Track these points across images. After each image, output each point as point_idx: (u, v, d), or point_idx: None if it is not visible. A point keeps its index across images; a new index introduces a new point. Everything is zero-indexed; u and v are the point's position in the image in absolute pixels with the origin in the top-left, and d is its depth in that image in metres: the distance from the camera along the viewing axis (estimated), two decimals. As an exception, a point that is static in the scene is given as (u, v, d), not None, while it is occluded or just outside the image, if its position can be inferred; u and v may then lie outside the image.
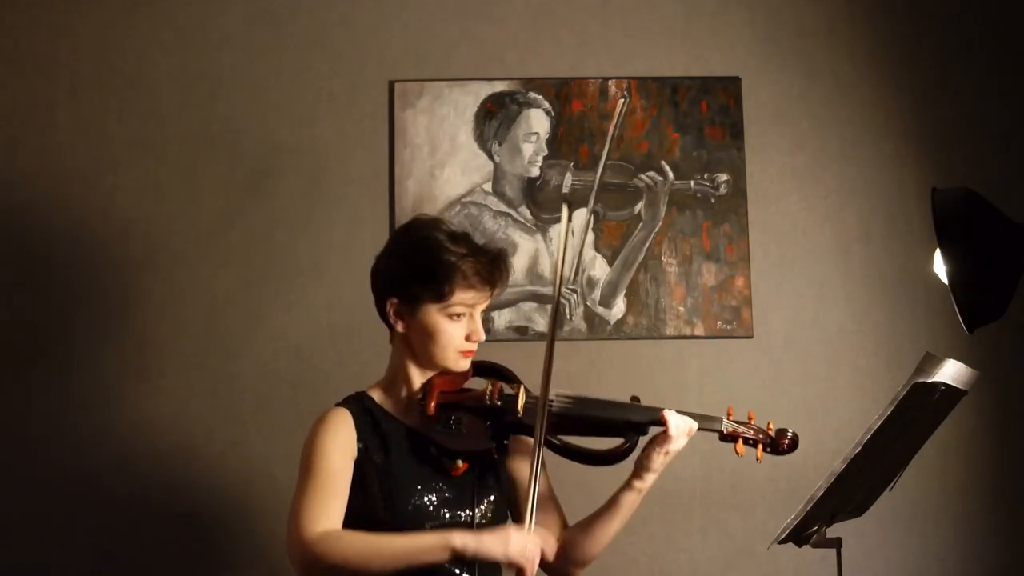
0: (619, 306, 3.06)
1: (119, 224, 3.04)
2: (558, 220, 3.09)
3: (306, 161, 3.08)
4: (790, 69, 3.16)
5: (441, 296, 2.11)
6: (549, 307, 3.05)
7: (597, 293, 3.07)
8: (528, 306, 3.05)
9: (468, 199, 3.08)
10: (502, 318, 3.04)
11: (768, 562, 2.93)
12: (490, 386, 2.17)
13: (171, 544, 2.92)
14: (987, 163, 3.10)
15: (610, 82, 3.13)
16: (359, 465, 2.09)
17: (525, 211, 3.09)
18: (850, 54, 3.16)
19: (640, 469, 2.16)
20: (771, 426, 2.27)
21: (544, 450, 2.09)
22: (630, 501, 2.18)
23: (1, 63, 3.08)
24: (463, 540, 1.97)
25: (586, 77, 3.13)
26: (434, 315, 2.13)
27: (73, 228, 3.03)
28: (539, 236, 3.08)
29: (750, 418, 2.26)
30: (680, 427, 2.15)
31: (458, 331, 2.15)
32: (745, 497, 3.01)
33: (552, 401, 2.12)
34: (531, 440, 2.10)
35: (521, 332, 3.03)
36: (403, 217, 3.03)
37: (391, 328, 2.20)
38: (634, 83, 3.13)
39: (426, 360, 2.17)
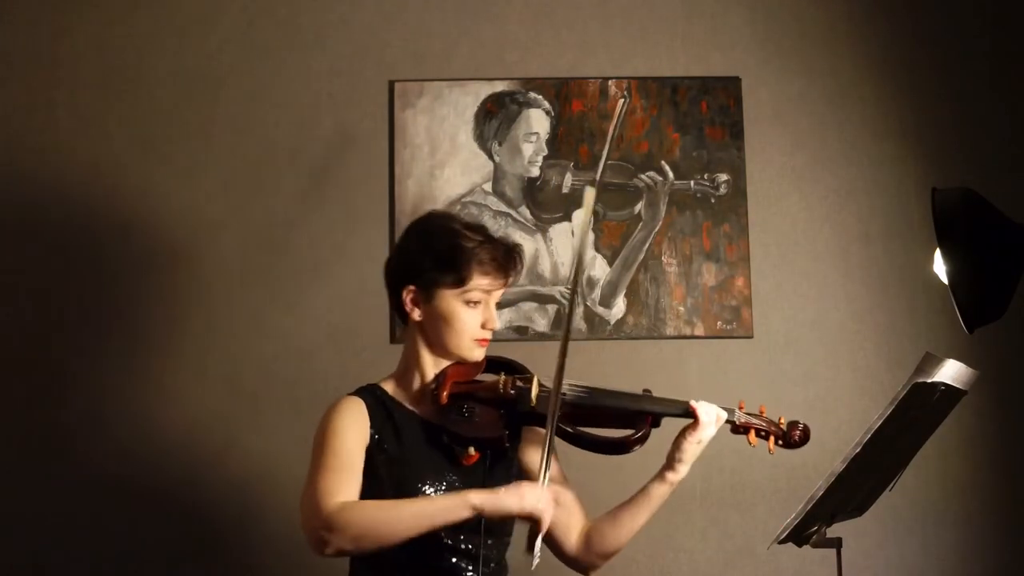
0: (619, 306, 3.06)
1: (119, 224, 3.04)
2: (558, 220, 3.09)
3: (306, 161, 3.08)
4: (790, 69, 3.16)
5: (460, 281, 2.14)
6: (549, 307, 3.05)
7: (597, 293, 3.07)
8: (528, 306, 3.05)
9: (468, 199, 3.08)
10: (502, 318, 3.04)
11: (768, 562, 2.93)
12: (503, 377, 2.19)
13: (171, 543, 2.92)
14: (987, 163, 3.10)
15: (610, 82, 3.13)
16: (370, 453, 2.10)
17: (525, 211, 3.09)
18: (850, 54, 3.16)
19: (673, 460, 2.19)
20: (782, 420, 2.29)
21: (558, 440, 2.12)
22: (661, 493, 2.20)
23: (1, 63, 3.08)
24: (480, 497, 1.99)
25: (586, 77, 3.13)
26: (451, 301, 2.15)
27: (73, 228, 3.03)
28: (539, 236, 3.08)
29: (761, 412, 2.29)
30: (710, 415, 2.18)
31: (474, 318, 2.17)
32: (745, 497, 3.01)
33: (566, 391, 2.14)
34: (544, 430, 2.11)
35: (521, 332, 3.03)
36: (403, 217, 3.04)
37: (405, 318, 2.21)
38: (634, 83, 3.13)
39: (441, 348, 2.19)
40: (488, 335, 2.20)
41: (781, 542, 2.15)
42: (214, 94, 3.10)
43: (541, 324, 3.04)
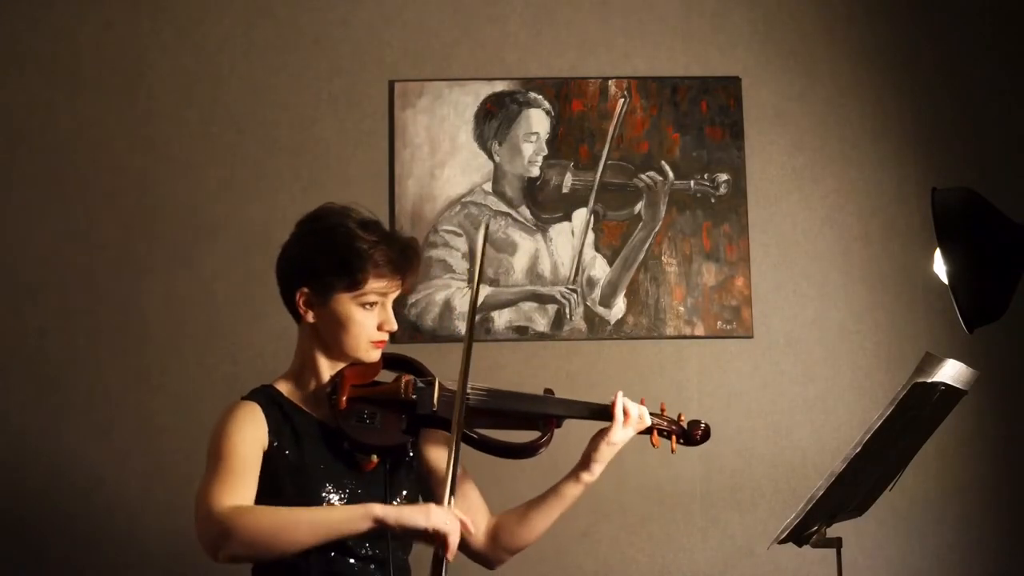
0: (619, 306, 3.06)
1: (119, 224, 3.04)
2: (558, 220, 3.09)
3: (306, 161, 3.08)
4: (790, 69, 3.16)
5: (354, 284, 2.07)
6: (549, 307, 3.05)
7: (597, 293, 3.07)
8: (528, 306, 3.05)
9: (468, 199, 3.08)
10: (502, 318, 3.04)
11: (768, 562, 2.93)
12: (403, 379, 2.13)
13: (171, 543, 2.92)
14: (987, 163, 3.10)
15: (610, 82, 3.13)
16: (268, 459, 2.04)
17: (525, 211, 3.09)
18: (850, 54, 3.16)
19: (588, 461, 2.17)
20: (683, 417, 2.27)
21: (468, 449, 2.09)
22: (574, 493, 2.18)
23: (1, 63, 3.08)
24: (384, 511, 1.93)
25: (586, 77, 3.13)
26: (346, 304, 2.09)
27: (73, 228, 3.03)
28: (539, 236, 3.08)
29: (662, 410, 2.27)
30: (622, 415, 2.16)
31: (370, 320, 2.10)
32: (745, 497, 3.01)
33: (468, 394, 2.08)
34: (445, 432, 2.10)
35: (521, 332, 3.03)
36: (403, 217, 3.04)
37: (298, 319, 2.16)
38: (634, 83, 3.13)
39: (336, 351, 2.13)
40: (385, 337, 2.13)
41: (781, 542, 2.15)
42: (214, 94, 3.10)
43: (541, 324, 3.04)
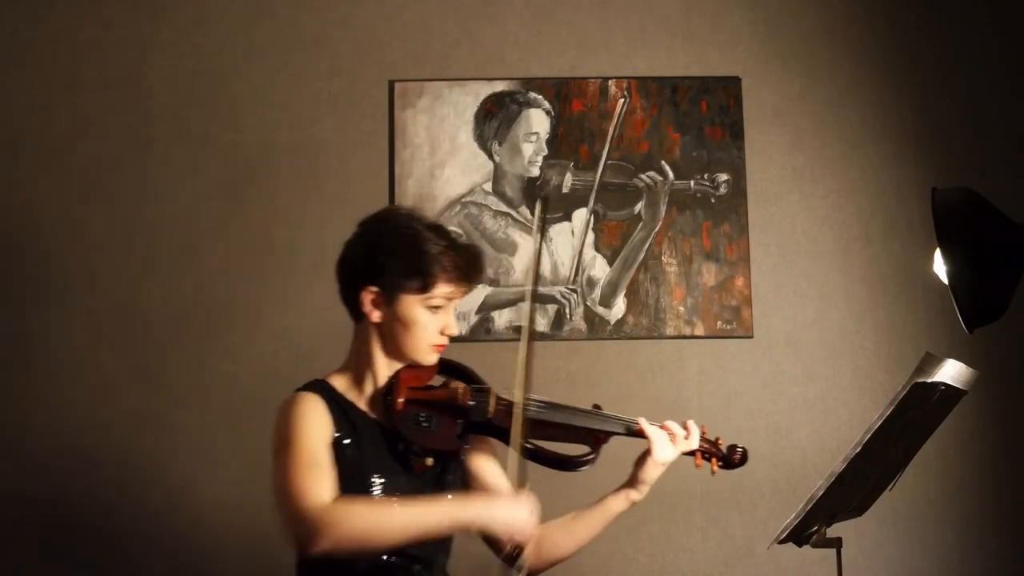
0: (619, 306, 3.06)
1: (119, 224, 3.04)
2: (558, 220, 3.09)
3: (306, 161, 3.08)
4: (790, 69, 3.16)
5: (424, 287, 2.10)
6: (549, 307, 3.05)
7: (597, 293, 3.07)
8: (528, 306, 3.04)
9: (468, 199, 3.08)
10: (502, 318, 3.04)
11: (768, 562, 2.93)
12: (460, 386, 2.15)
13: (171, 543, 2.92)
14: (987, 163, 3.10)
15: (610, 82, 3.13)
16: (330, 452, 2.05)
17: (525, 211, 3.09)
18: (850, 54, 3.16)
19: (636, 481, 2.20)
20: (720, 441, 2.29)
21: (505, 447, 2.12)
22: (619, 510, 2.21)
23: (1, 63, 3.08)
24: (476, 511, 1.98)
25: (586, 77, 3.13)
26: (413, 306, 2.11)
27: (73, 228, 3.03)
28: (539, 236, 3.07)
29: (703, 433, 2.28)
30: (662, 437, 2.19)
31: (434, 324, 2.13)
32: (745, 497, 3.01)
33: (528, 405, 2.11)
34: (494, 439, 2.14)
35: (521, 332, 3.03)
36: (403, 217, 3.04)
37: (359, 317, 2.17)
38: (634, 83, 3.13)
39: (397, 351, 2.15)
40: (446, 341, 2.16)
41: (781, 542, 2.15)
42: (214, 94, 3.10)
43: (541, 324, 3.04)
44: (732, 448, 2.29)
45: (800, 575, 2.95)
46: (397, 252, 2.12)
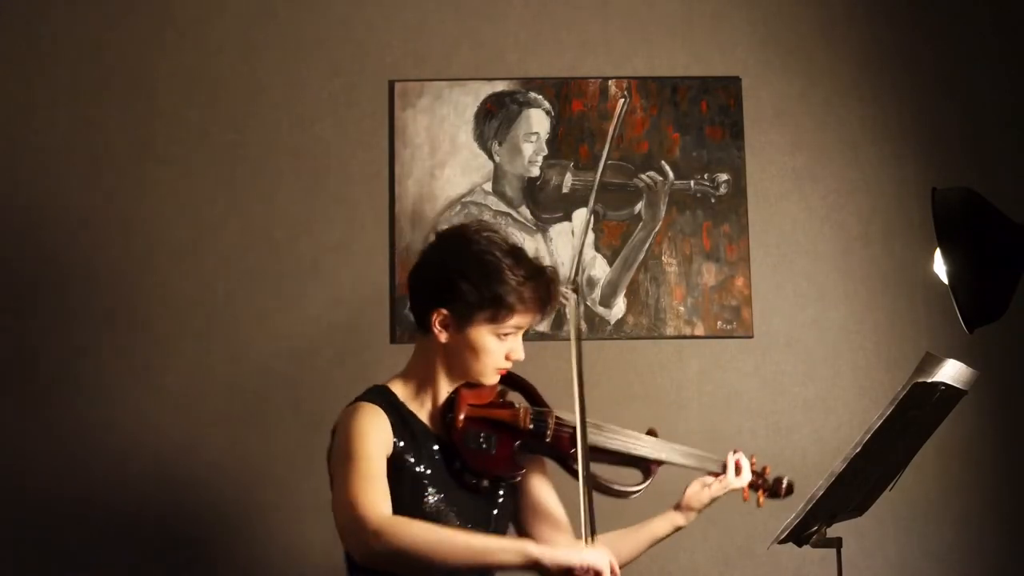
0: (619, 306, 3.06)
1: (119, 224, 3.04)
2: (558, 220, 3.09)
3: (306, 161, 3.08)
4: (790, 69, 3.16)
5: (498, 318, 2.09)
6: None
7: (597, 293, 3.07)
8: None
9: (468, 199, 3.08)
10: (502, 318, 3.04)
11: (768, 562, 2.93)
12: (523, 408, 2.16)
13: (171, 544, 2.92)
14: (987, 163, 3.10)
15: (610, 82, 3.13)
16: (390, 462, 2.05)
17: (525, 211, 3.09)
18: (850, 54, 3.16)
19: (686, 508, 2.26)
20: (768, 471, 2.34)
21: (559, 471, 2.15)
22: (664, 534, 2.27)
23: (1, 63, 3.08)
24: (540, 550, 1.95)
25: (586, 77, 3.13)
26: (484, 334, 2.10)
27: (73, 228, 3.03)
28: (539, 236, 3.07)
29: (751, 462, 2.32)
30: (733, 472, 2.27)
31: (502, 350, 2.13)
32: (745, 497, 3.01)
33: (588, 432, 2.10)
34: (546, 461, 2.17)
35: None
36: (403, 217, 3.04)
37: (426, 329, 2.14)
38: (634, 83, 3.13)
39: (461, 372, 2.15)
40: (510, 365, 2.16)
41: (781, 542, 2.15)
42: (214, 94, 3.10)
43: (541, 324, 3.04)
44: (778, 480, 2.34)
45: (800, 575, 2.95)
46: (475, 280, 2.08)
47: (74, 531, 2.92)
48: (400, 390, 2.17)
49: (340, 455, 2.02)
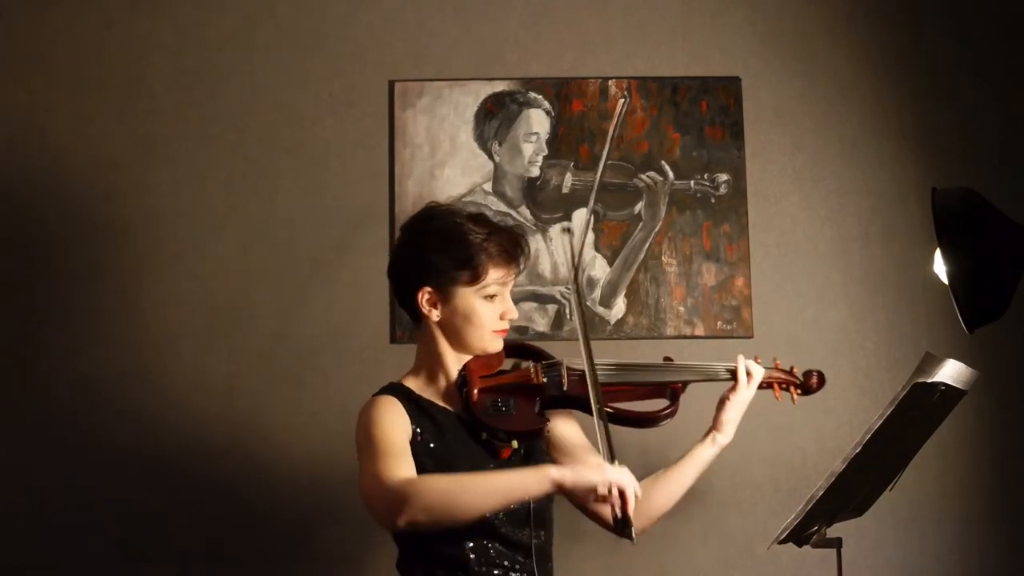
0: (619, 306, 3.06)
1: (119, 224, 3.04)
2: (558, 220, 3.09)
3: (306, 161, 3.08)
4: (790, 69, 3.16)
5: (475, 277, 2.16)
6: (549, 307, 3.05)
7: (597, 293, 3.07)
8: (528, 306, 3.05)
9: (468, 199, 3.08)
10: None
11: (768, 562, 2.93)
12: (530, 365, 2.22)
13: (171, 544, 2.92)
14: (987, 163, 3.10)
15: (610, 82, 3.13)
16: (413, 449, 2.10)
17: (525, 211, 3.09)
18: (850, 54, 3.16)
19: (720, 423, 2.28)
20: (795, 369, 2.37)
21: (586, 416, 2.16)
22: (709, 456, 2.29)
23: (1, 63, 3.08)
24: (560, 472, 1.98)
25: (586, 77, 3.13)
26: (469, 298, 2.17)
27: (73, 228, 3.03)
28: (539, 236, 3.07)
29: (776, 365, 2.36)
30: (744, 375, 2.29)
31: (492, 311, 2.19)
32: (745, 497, 3.01)
33: (597, 370, 2.15)
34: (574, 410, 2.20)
35: (521, 332, 3.03)
36: (403, 217, 3.02)
37: (419, 319, 2.22)
38: (634, 83, 3.13)
39: (461, 344, 2.21)
40: (507, 325, 2.23)
41: (781, 542, 2.15)
42: (214, 94, 3.10)
43: (541, 324, 3.04)
44: (808, 374, 2.36)
45: (800, 575, 2.95)
46: (442, 248, 2.17)
47: (72, 531, 2.91)
48: (412, 383, 2.23)
49: (360, 444, 2.09)
